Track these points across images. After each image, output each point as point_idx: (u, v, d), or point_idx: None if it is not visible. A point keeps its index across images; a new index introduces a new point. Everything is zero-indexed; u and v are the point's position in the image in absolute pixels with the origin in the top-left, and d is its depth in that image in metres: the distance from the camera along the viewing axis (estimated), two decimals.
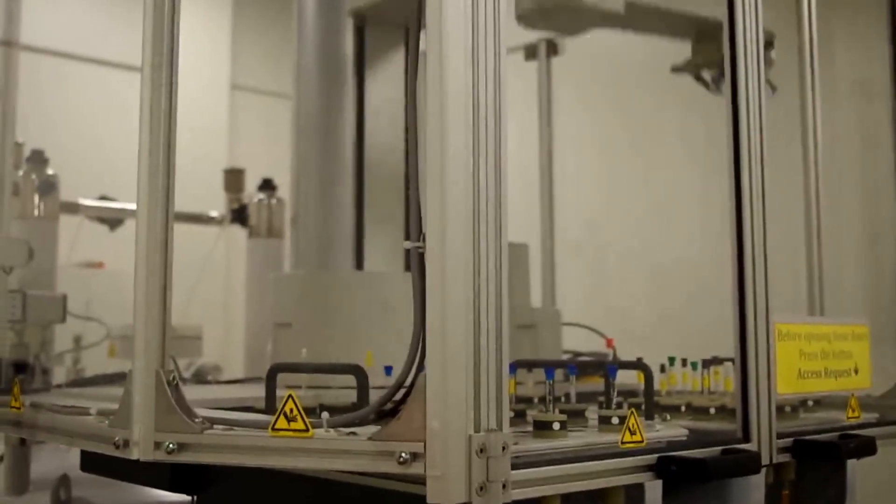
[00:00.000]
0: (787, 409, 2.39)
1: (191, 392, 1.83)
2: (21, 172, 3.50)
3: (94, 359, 3.66)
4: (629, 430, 1.81)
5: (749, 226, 2.04)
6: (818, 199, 3.03)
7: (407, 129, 1.65)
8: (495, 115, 1.55)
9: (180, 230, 1.83)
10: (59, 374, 3.48)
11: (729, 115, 2.10)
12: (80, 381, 3.19)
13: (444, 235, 1.48)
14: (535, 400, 2.36)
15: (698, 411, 2.38)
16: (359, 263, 2.98)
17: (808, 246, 3.03)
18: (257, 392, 2.28)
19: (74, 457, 2.47)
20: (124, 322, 3.62)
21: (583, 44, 4.25)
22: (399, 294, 1.73)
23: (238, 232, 4.25)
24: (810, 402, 2.58)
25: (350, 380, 1.93)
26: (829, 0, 3.19)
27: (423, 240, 1.52)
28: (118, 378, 2.96)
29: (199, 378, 3.78)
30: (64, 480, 2.88)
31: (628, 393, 2.47)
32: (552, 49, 4.10)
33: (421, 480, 1.47)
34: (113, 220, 4.18)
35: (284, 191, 4.05)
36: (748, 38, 2.11)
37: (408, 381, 1.57)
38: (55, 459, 3.06)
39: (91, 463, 2.35)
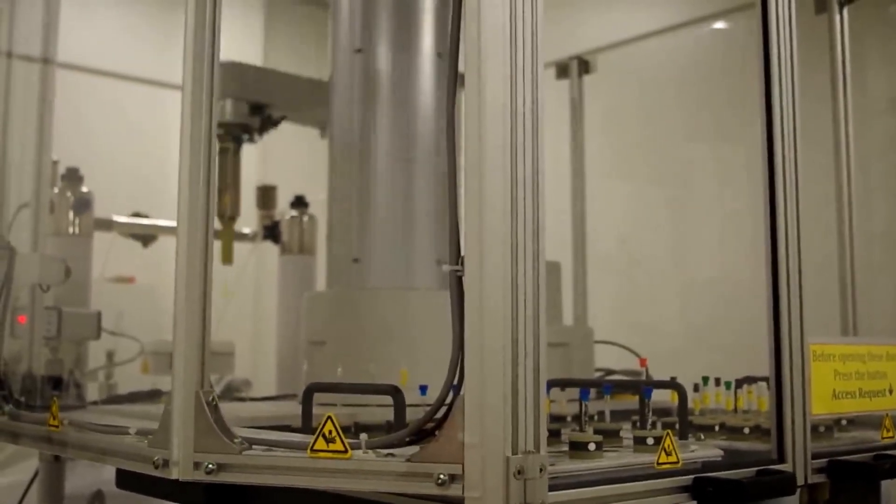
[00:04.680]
0: (822, 428, 2.39)
1: (227, 409, 1.85)
2: (56, 190, 3.54)
3: (126, 374, 3.68)
4: (665, 450, 1.81)
5: (784, 247, 2.04)
6: (851, 217, 3.03)
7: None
8: (533, 138, 1.56)
9: (214, 247, 1.84)
10: (92, 390, 3.50)
11: (763, 132, 2.10)
12: (116, 398, 3.21)
13: (482, 259, 1.49)
14: (569, 418, 2.36)
15: (732, 431, 2.38)
16: None
17: (840, 265, 3.02)
18: (291, 409, 2.29)
19: (109, 473, 2.48)
20: (156, 337, 3.65)
21: (615, 61, 4.26)
22: (433, 311, 1.73)
23: (270, 248, 4.28)
24: (844, 422, 2.57)
25: (385, 397, 1.94)
26: (862, 18, 3.19)
27: (462, 263, 1.53)
28: (154, 395, 2.98)
29: (230, 393, 3.79)
30: (98, 497, 2.90)
31: (661, 411, 2.47)
32: (584, 67, 4.11)
33: (459, 502, 1.48)
34: (146, 237, 4.21)
35: (316, 208, 4.07)
36: (782, 54, 2.11)
37: (446, 403, 1.58)
38: (89, 475, 3.08)
39: (126, 480, 2.36)
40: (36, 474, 3.13)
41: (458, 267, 1.54)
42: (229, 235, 3.82)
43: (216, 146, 1.84)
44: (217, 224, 3.70)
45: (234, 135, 3.73)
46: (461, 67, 1.61)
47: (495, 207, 1.50)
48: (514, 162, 1.52)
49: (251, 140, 3.80)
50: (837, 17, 3.05)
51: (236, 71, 3.72)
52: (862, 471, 2.15)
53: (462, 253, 1.54)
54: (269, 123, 3.81)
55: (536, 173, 1.55)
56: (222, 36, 1.90)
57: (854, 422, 2.59)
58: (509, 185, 1.51)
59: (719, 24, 4.35)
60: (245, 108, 3.70)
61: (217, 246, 3.76)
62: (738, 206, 3.97)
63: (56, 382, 2.94)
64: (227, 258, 3.81)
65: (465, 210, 1.52)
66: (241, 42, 6.00)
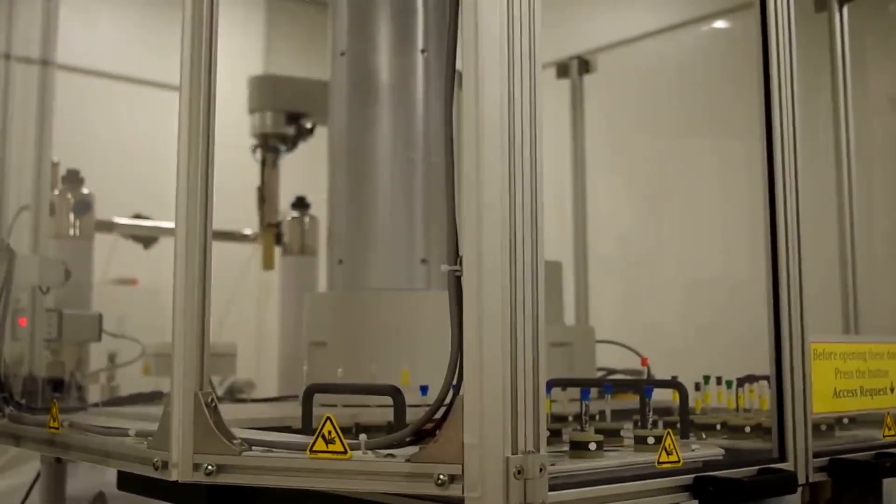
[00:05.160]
0: (823, 427, 2.38)
1: (227, 411, 1.85)
2: (57, 192, 3.54)
3: (128, 376, 3.68)
4: (665, 450, 1.81)
5: (784, 245, 2.04)
6: (852, 215, 3.03)
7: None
8: (531, 136, 1.55)
9: (214, 248, 1.84)
10: (94, 392, 3.50)
11: (762, 131, 2.09)
12: (117, 400, 3.21)
13: (481, 259, 1.49)
14: (570, 418, 2.36)
15: (734, 430, 2.37)
16: None
17: (842, 263, 3.02)
18: (292, 411, 2.29)
19: (110, 475, 2.48)
20: (158, 339, 3.64)
21: (615, 61, 4.26)
22: (434, 312, 1.73)
23: None
24: (845, 420, 2.57)
25: (386, 398, 1.94)
26: (862, 16, 3.19)
27: (460, 262, 1.53)
28: (155, 397, 2.99)
29: (233, 394, 3.79)
30: (100, 498, 2.90)
31: (662, 411, 2.47)
32: (584, 66, 4.10)
33: (459, 502, 1.48)
34: (147, 239, 4.21)
35: (317, 209, 4.06)
36: (781, 53, 2.11)
37: (445, 403, 1.57)
38: (91, 477, 3.07)
39: (127, 481, 2.36)
40: (38, 477, 3.13)
41: (457, 267, 1.54)
42: (269, 242, 4.01)
43: (214, 147, 1.84)
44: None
45: (271, 146, 3.90)
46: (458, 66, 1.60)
47: (493, 207, 1.50)
48: (512, 161, 1.52)
49: (288, 150, 3.89)
50: (837, 16, 3.05)
51: (273, 83, 3.91)
52: (863, 469, 2.15)
53: (460, 253, 1.53)
54: (304, 132, 3.89)
55: (535, 173, 1.55)
56: (223, 37, 1.89)
57: (855, 420, 2.59)
58: (507, 184, 1.51)
59: (719, 24, 4.35)
60: (282, 119, 3.86)
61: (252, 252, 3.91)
62: (738, 205, 3.96)
63: (57, 384, 2.93)
64: (269, 264, 4.02)
65: (464, 210, 1.52)
66: (242, 43, 6.00)
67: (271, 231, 4.00)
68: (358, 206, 2.82)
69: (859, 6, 3.10)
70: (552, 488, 1.51)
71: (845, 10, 3.07)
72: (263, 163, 3.90)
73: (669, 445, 1.81)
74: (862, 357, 2.27)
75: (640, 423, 2.08)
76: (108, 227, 3.99)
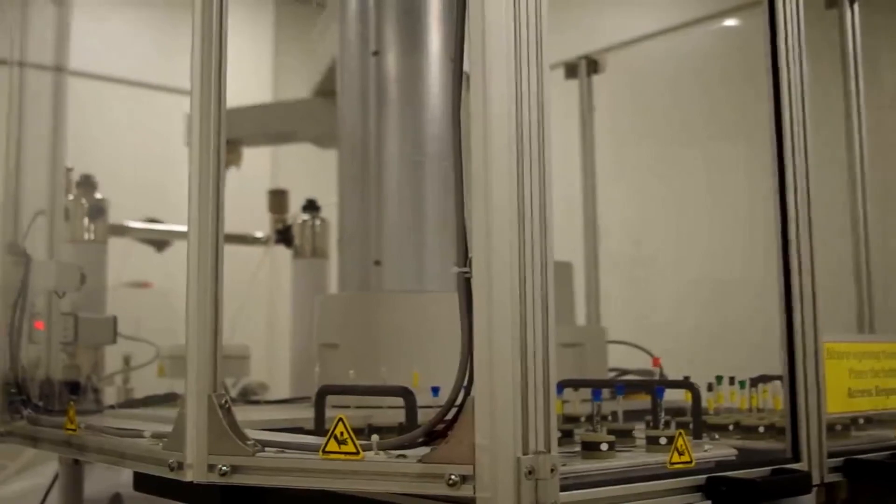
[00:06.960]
0: (838, 427, 2.37)
1: (241, 413, 1.86)
2: (71, 197, 3.55)
3: (143, 378, 3.70)
4: (678, 450, 1.81)
5: (796, 244, 2.03)
6: (866, 212, 3.01)
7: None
8: (539, 137, 1.55)
9: (226, 251, 1.85)
10: (110, 394, 3.51)
11: (772, 129, 2.09)
12: (132, 402, 3.22)
13: (490, 260, 1.49)
14: (582, 419, 2.36)
15: (747, 430, 2.37)
16: None
17: (855, 261, 3.01)
18: (305, 412, 2.30)
19: (127, 476, 2.50)
20: (172, 342, 3.66)
21: (625, 61, 4.26)
22: (445, 314, 1.74)
23: (282, 252, 4.29)
24: (860, 420, 2.56)
25: (398, 399, 1.95)
26: (873, 12, 3.18)
27: (469, 264, 1.53)
28: (169, 398, 2.99)
29: (246, 396, 3.80)
30: (116, 499, 2.91)
31: (675, 411, 2.47)
32: (593, 67, 4.10)
33: (470, 503, 1.49)
34: (160, 242, 4.23)
35: (328, 211, 4.07)
36: (790, 50, 2.11)
37: (456, 404, 1.58)
38: (108, 478, 3.09)
39: (143, 483, 2.37)
40: (56, 478, 3.15)
41: (466, 269, 1.54)
42: None
43: (224, 149, 1.85)
44: None
45: None
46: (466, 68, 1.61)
47: (502, 208, 1.50)
48: (521, 163, 1.52)
49: None
50: (848, 12, 3.05)
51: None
52: (879, 469, 2.14)
53: (470, 255, 1.54)
54: None
55: (543, 173, 1.55)
56: (232, 38, 1.90)
57: (871, 420, 2.58)
58: (516, 185, 1.51)
59: (730, 22, 4.34)
60: None
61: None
62: (752, 203, 3.96)
63: (74, 387, 2.95)
64: None
65: (473, 212, 1.52)
66: (251, 45, 6.03)
67: None
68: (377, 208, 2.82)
69: (870, 2, 3.09)
70: (564, 488, 1.51)
71: (856, 6, 3.06)
72: None
73: (681, 446, 1.81)
74: (876, 357, 2.27)
75: (652, 424, 2.08)
76: (122, 231, 4.02)
